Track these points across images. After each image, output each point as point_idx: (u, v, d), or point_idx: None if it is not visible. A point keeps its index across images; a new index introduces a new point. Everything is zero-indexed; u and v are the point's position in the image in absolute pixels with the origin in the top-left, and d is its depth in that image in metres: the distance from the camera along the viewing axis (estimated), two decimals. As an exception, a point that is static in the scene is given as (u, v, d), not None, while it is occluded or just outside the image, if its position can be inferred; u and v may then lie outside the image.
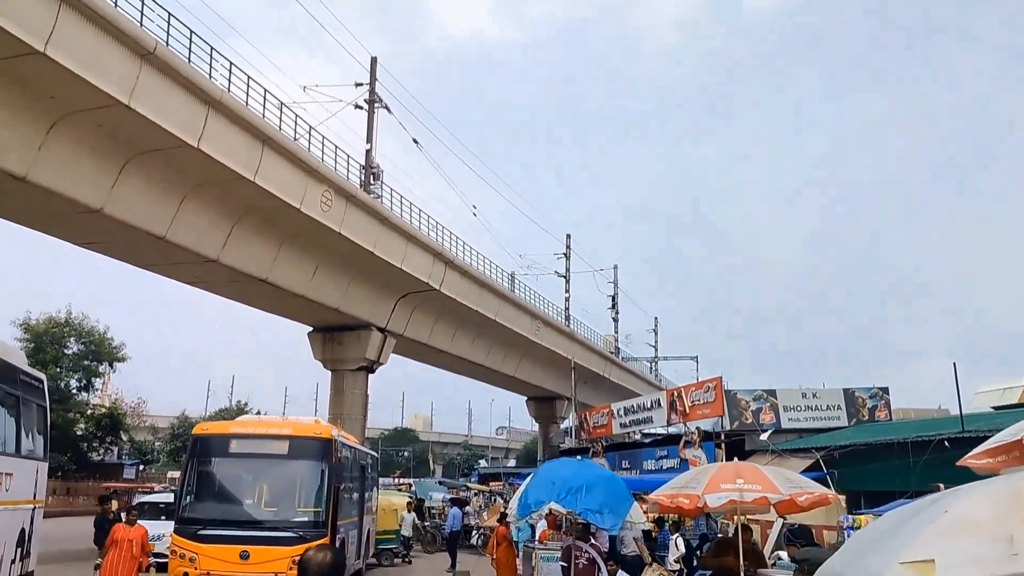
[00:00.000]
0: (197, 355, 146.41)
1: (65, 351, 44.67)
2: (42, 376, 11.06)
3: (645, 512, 14.39)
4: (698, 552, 14.79)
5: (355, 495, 16.51)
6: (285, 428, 13.84)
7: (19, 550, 9.59)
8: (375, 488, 20.26)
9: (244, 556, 12.52)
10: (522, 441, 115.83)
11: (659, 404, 27.39)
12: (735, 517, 9.58)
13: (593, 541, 10.27)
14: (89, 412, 46.97)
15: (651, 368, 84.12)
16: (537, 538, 14.54)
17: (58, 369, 43.99)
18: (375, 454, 21.19)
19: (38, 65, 18.05)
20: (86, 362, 45.56)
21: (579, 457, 28.19)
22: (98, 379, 46.94)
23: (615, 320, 69.27)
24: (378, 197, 33.50)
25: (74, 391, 45.32)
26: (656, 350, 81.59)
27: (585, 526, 9.39)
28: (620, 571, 10.19)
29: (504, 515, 16.58)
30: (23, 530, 9.76)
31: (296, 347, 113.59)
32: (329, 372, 39.35)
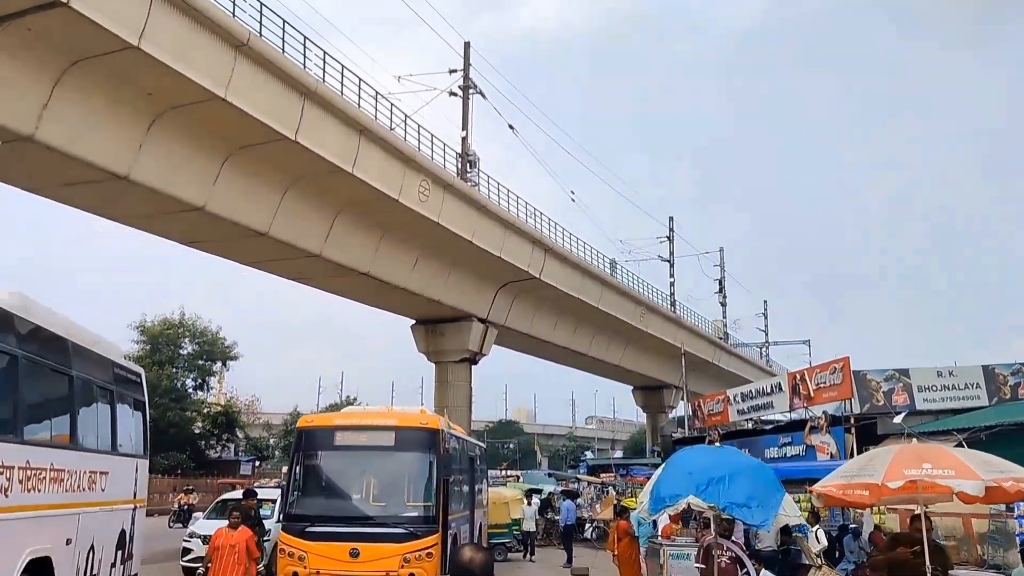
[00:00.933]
0: (307, 352, 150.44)
1: (180, 351, 45.97)
2: (139, 370, 10.71)
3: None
4: (838, 544, 13.38)
5: (465, 488, 15.79)
6: (391, 419, 13.18)
7: (120, 552, 9.16)
8: (484, 480, 19.53)
9: (354, 554, 11.92)
10: (627, 432, 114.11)
11: (780, 388, 25.66)
12: (917, 508, 8.18)
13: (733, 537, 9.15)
14: (205, 411, 48.26)
15: (761, 354, 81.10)
16: (660, 533, 13.43)
17: (174, 369, 45.33)
18: (482, 445, 20.43)
19: (134, 60, 18.00)
20: (200, 362, 46.82)
21: (718, 444, 26.78)
22: (212, 378, 48.18)
23: (722, 305, 66.95)
24: (475, 185, 32.86)
25: (190, 390, 46.60)
26: (766, 335, 78.60)
27: (729, 521, 8.32)
28: (763, 569, 9.04)
29: (624, 509, 15.54)
30: (123, 531, 9.33)
31: (402, 341, 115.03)
32: (433, 364, 39.11)
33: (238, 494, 18.30)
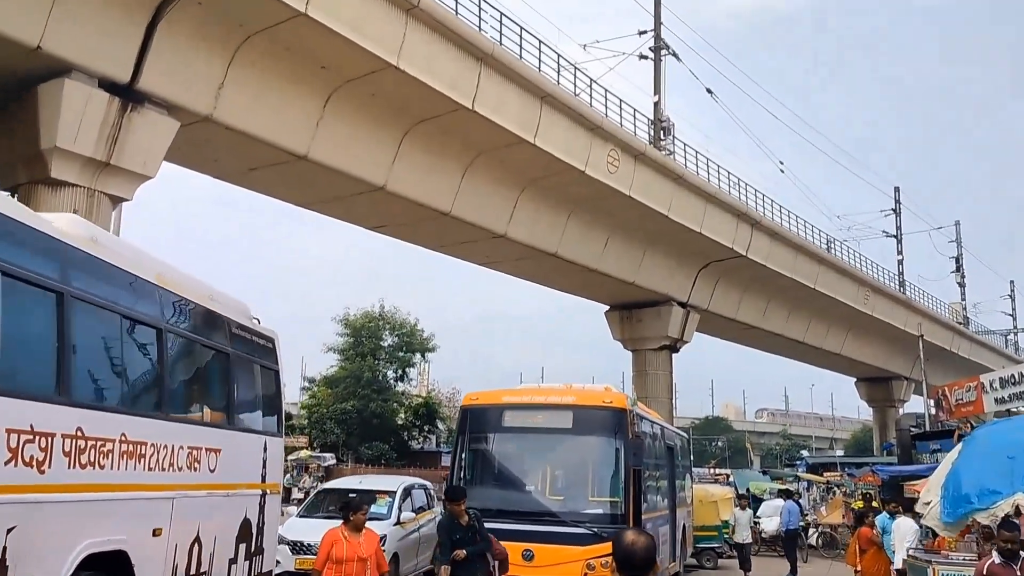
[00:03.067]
0: (506, 344, 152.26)
1: (381, 344, 46.61)
2: (272, 333, 9.22)
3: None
4: None
5: (662, 482, 13.40)
6: (568, 396, 11.09)
7: (243, 545, 7.69)
8: (688, 475, 16.94)
9: (527, 556, 9.97)
10: (848, 430, 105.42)
11: (1055, 370, 20.95)
12: None
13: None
14: (407, 402, 48.69)
15: (1007, 342, 71.47)
16: (929, 544, 10.37)
17: (376, 361, 45.97)
18: (684, 434, 17.78)
19: (304, 29, 17.20)
20: (400, 353, 47.25)
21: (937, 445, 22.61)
22: (412, 369, 48.48)
23: (960, 285, 59.30)
24: (669, 154, 30.16)
25: (391, 382, 47.16)
26: (1014, 319, 68.96)
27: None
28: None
29: (865, 513, 12.52)
30: (246, 520, 7.86)
31: (601, 331, 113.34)
32: (630, 353, 36.77)
33: (344, 482, 15.59)
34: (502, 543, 10.11)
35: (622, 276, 30.99)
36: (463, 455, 11.08)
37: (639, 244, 30.78)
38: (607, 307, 36.67)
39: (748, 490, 29.81)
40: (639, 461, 10.32)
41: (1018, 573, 6.13)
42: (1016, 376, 23.39)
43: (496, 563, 8.36)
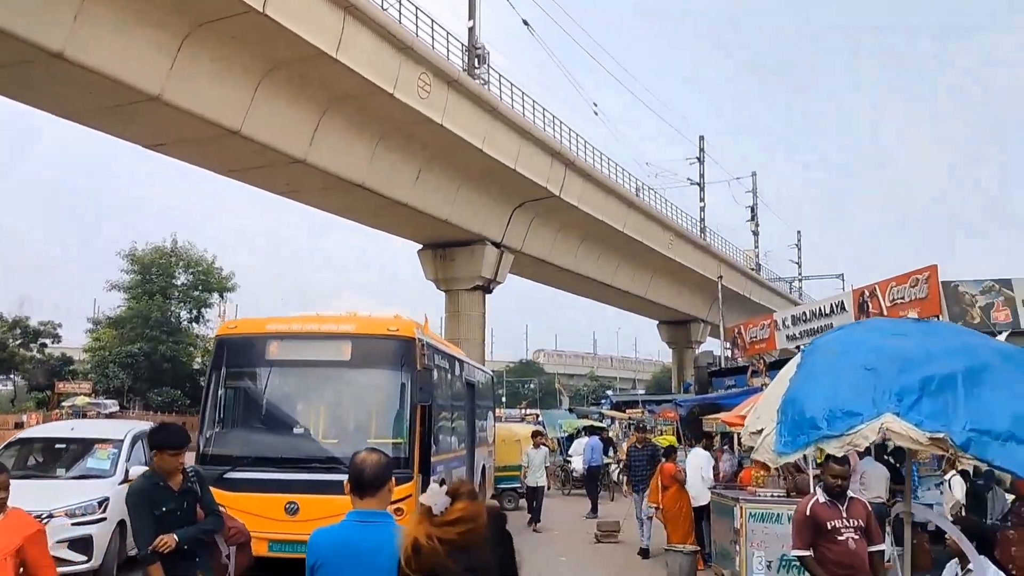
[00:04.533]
0: (311, 283, 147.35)
1: (173, 282, 42.79)
2: None
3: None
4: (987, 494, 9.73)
5: (460, 422, 12.30)
6: (346, 323, 9.58)
7: None
8: (491, 414, 16.00)
9: (292, 509, 8.53)
10: (649, 371, 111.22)
11: (842, 308, 21.80)
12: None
13: (857, 495, 5.59)
14: (203, 346, 45.26)
15: (791, 287, 77.03)
16: (739, 479, 9.91)
17: (167, 300, 42.20)
18: (488, 371, 16.80)
19: None
20: (196, 293, 43.65)
21: (765, 377, 23.15)
22: (209, 310, 45.05)
23: (755, 234, 62.77)
24: (485, 84, 28.80)
25: (184, 323, 43.54)
26: (800, 267, 74.33)
27: (839, 463, 4.95)
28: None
29: (672, 448, 11.99)
30: None
31: (414, 270, 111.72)
32: (443, 293, 35.64)
33: (45, 430, 12.33)
34: (264, 495, 8.62)
35: (435, 212, 29.59)
36: (218, 395, 9.36)
37: (453, 179, 29.46)
38: (420, 246, 35.26)
39: (561, 428, 29.84)
40: (427, 397, 9.07)
41: (844, 514, 5.40)
42: (807, 314, 24.34)
43: (231, 549, 5.39)
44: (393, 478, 3.26)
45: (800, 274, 74.86)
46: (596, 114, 68.98)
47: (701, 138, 56.73)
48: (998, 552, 10.77)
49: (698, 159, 55.68)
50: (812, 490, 9.27)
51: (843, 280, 77.49)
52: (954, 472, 9.59)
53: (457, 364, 12.37)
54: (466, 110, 26.84)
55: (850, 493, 5.56)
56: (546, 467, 15.62)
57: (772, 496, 8.17)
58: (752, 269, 59.70)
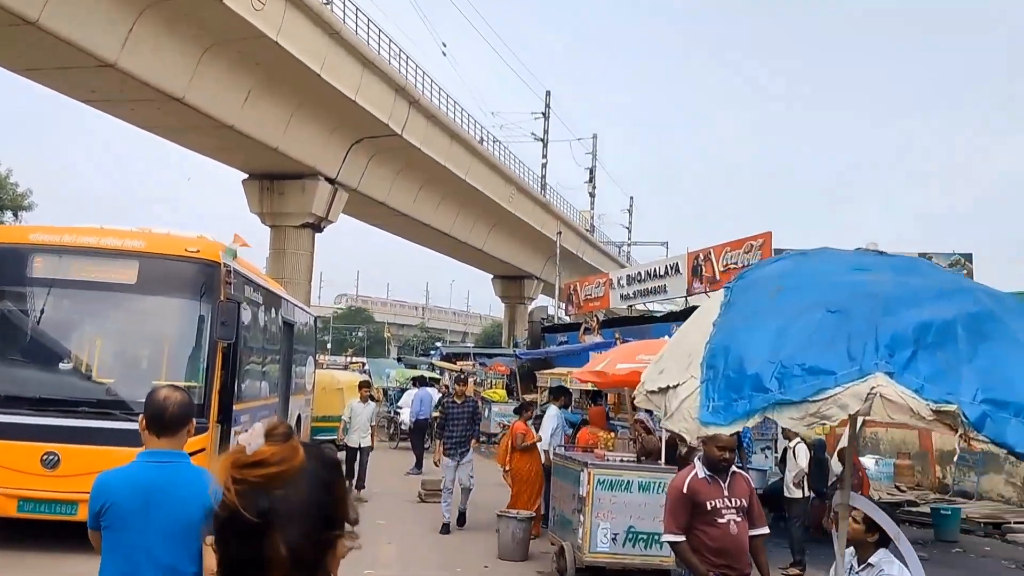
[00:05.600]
0: (119, 205, 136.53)
1: (-47, 196, 37.47)
2: None
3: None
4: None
5: (273, 366, 10.79)
6: (134, 240, 7.84)
7: None
8: (312, 360, 14.51)
9: (50, 462, 6.87)
10: (481, 325, 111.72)
11: (676, 270, 21.92)
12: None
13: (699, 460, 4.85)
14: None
15: (620, 252, 79.13)
16: (580, 439, 9.09)
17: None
18: (311, 312, 15.22)
19: None
20: (-18, 209, 38.45)
21: (597, 332, 22.85)
22: (-3, 231, 39.83)
23: (591, 196, 63.43)
24: (327, 3, 26.51)
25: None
26: (630, 233, 76.26)
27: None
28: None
29: (526, 405, 11.05)
30: None
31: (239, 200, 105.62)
32: (269, 229, 33.21)
33: None
34: (14, 443, 6.93)
35: (264, 139, 27.15)
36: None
37: (287, 105, 27.10)
38: (246, 175, 32.57)
39: (389, 377, 28.57)
40: (231, 334, 7.58)
41: (726, 492, 4.60)
42: (642, 275, 24.37)
43: None
44: (193, 420, 3.12)
45: (630, 239, 76.84)
46: (445, 55, 66.26)
47: (548, 93, 56.35)
48: (826, 520, 10.77)
49: (543, 115, 55.28)
50: (660, 451, 8.70)
51: (666, 248, 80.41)
52: (798, 440, 9.30)
53: (274, 301, 10.83)
54: (305, 29, 24.60)
55: (735, 468, 4.79)
56: (373, 426, 13.01)
57: (622, 461, 7.43)
58: (587, 230, 60.44)
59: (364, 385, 13.66)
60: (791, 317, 2.50)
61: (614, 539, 6.99)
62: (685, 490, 4.57)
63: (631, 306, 24.94)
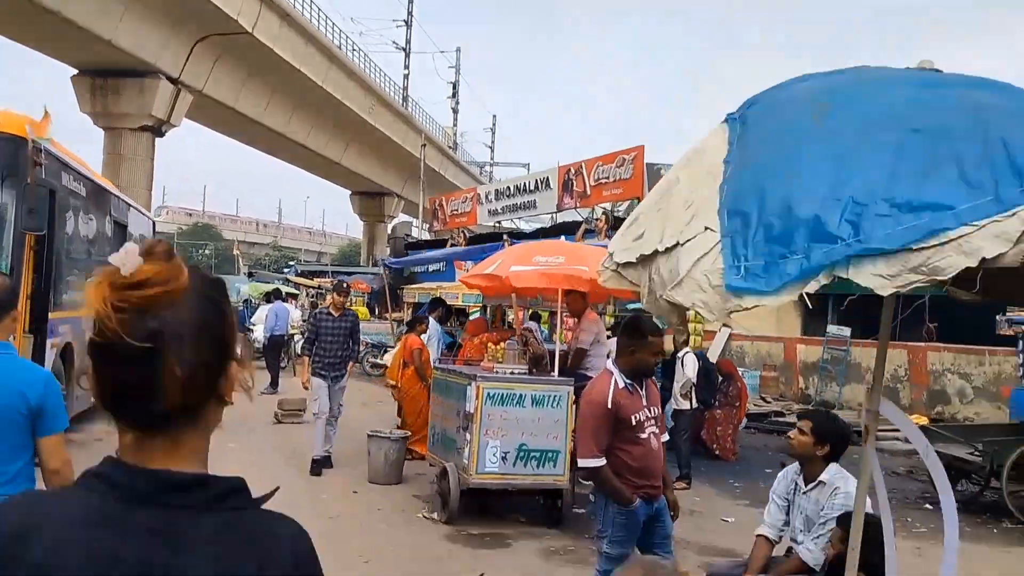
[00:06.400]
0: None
1: None
2: None
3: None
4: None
5: (96, 262, 9.32)
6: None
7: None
8: None
9: None
10: (338, 245, 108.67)
11: (547, 185, 21.26)
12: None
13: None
14: None
15: (482, 172, 78.29)
16: (461, 351, 8.27)
17: None
18: (150, 216, 13.45)
19: None
20: None
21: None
22: None
23: (454, 112, 61.85)
24: None
25: None
26: (492, 152, 75.45)
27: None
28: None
29: (418, 319, 9.99)
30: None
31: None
32: (103, 132, 30.07)
33: None
34: None
35: (95, 29, 24.17)
36: None
37: (119, -11, 24.14)
38: (75, 70, 29.16)
39: (239, 292, 26.70)
40: (40, 224, 6.18)
41: (644, 403, 3.94)
42: (511, 189, 23.57)
43: None
44: (16, 310, 2.80)
45: (492, 159, 76.01)
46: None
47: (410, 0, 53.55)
48: (704, 432, 10.62)
49: (405, 22, 52.72)
50: (548, 360, 8.03)
51: (527, 170, 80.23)
52: (687, 349, 8.90)
53: (103, 197, 9.26)
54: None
55: (653, 380, 4.15)
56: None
57: (513, 373, 6.67)
58: (450, 147, 59.05)
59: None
60: (854, 141, 1.74)
61: (504, 458, 6.29)
62: (609, 404, 3.88)
63: (499, 222, 24.22)
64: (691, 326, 14.67)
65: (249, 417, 11.88)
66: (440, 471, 6.79)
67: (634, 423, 3.92)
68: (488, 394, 6.28)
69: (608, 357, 8.75)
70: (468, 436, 6.33)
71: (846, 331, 14.02)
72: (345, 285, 9.43)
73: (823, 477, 3.88)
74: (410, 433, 8.41)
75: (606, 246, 10.38)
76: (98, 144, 30.46)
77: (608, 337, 7.96)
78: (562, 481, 6.51)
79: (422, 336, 9.90)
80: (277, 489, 1.13)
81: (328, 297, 9.30)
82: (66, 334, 7.53)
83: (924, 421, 12.66)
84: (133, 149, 29.52)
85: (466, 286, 9.23)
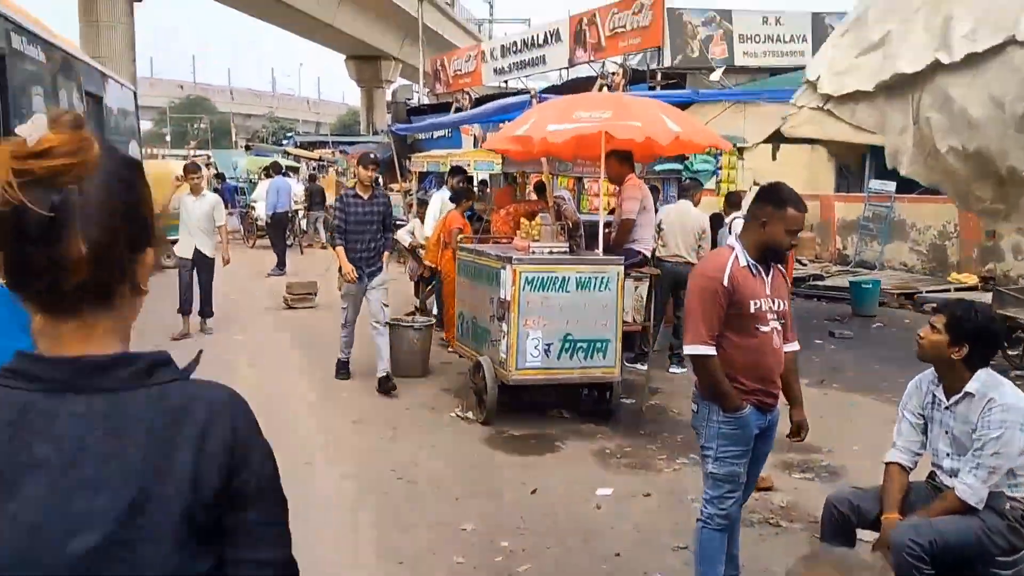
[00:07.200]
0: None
1: None
2: None
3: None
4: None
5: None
6: None
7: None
8: (134, 145, 11.76)
9: None
10: (335, 114, 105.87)
11: (557, 38, 19.70)
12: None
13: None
14: None
15: (481, 30, 74.77)
16: (492, 230, 7.31)
17: None
18: (129, 85, 12.21)
19: None
20: None
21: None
22: None
23: (450, -37, 58.01)
24: None
25: None
26: (491, 7, 71.50)
27: None
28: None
29: (464, 192, 8.58)
30: None
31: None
32: (75, -1, 28.03)
33: None
34: None
35: None
36: None
37: None
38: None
39: (237, 168, 25.61)
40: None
41: (768, 291, 3.12)
42: (518, 44, 22.01)
43: None
44: None
45: (492, 16, 72.31)
46: None
47: None
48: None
49: None
50: (581, 229, 7.10)
51: (528, 25, 76.57)
52: (737, 213, 7.98)
53: (68, 64, 8.10)
54: None
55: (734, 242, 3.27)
56: (222, 224, 9.10)
57: (552, 253, 5.76)
58: (447, 3, 55.90)
59: (190, 170, 9.21)
60: None
61: (547, 351, 5.48)
62: (726, 282, 3.08)
63: (506, 81, 22.73)
64: (724, 185, 13.74)
65: (256, 303, 11.19)
66: (474, 365, 6.02)
67: (752, 310, 3.13)
68: (526, 278, 5.40)
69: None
70: (505, 327, 5.51)
71: (891, 185, 12.98)
72: (373, 156, 7.65)
73: (970, 387, 3.04)
74: (433, 320, 7.61)
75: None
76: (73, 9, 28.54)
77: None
78: (613, 373, 5.72)
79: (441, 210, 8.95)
80: (201, 353, 1.08)
81: (355, 173, 7.27)
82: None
83: (973, 280, 11.90)
84: (110, 14, 27.58)
85: (494, 149, 8.06)
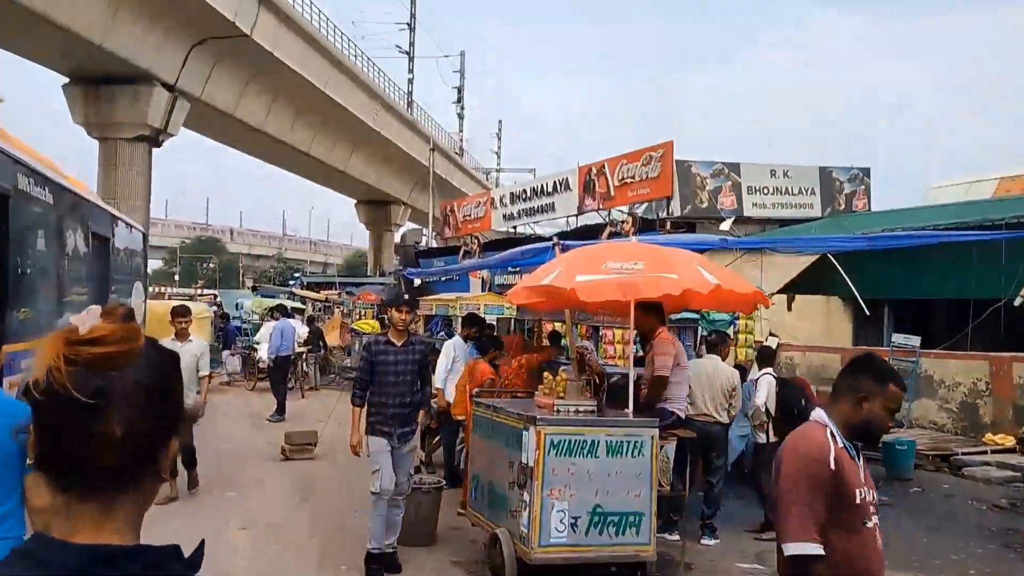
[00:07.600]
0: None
1: None
2: None
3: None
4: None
5: (78, 294, 7.87)
6: None
7: None
8: (140, 287, 11.51)
9: None
10: (343, 256, 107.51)
11: (567, 186, 19.95)
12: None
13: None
14: None
15: (488, 178, 77.01)
16: (475, 377, 6.82)
17: None
18: (139, 227, 12.08)
19: None
20: None
21: (477, 254, 20.66)
22: None
23: (460, 117, 60.55)
24: None
25: None
26: (499, 157, 73.95)
27: None
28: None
29: (492, 342, 7.89)
30: None
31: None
32: (96, 143, 28.88)
33: None
34: None
35: (86, 33, 22.99)
36: None
37: (108, -9, 22.96)
38: (67, 79, 27.99)
39: (242, 308, 25.38)
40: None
41: (862, 476, 2.62)
42: (527, 192, 22.29)
43: None
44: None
45: (499, 165, 74.66)
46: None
47: (412, 2, 52.27)
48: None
49: (409, 25, 51.51)
50: (605, 381, 6.54)
51: (534, 175, 78.90)
52: (765, 371, 7.54)
53: (76, 205, 7.91)
54: None
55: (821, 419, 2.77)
56: (205, 375, 8.03)
57: (579, 412, 5.26)
58: (456, 153, 57.79)
59: (178, 313, 8.21)
60: None
61: (574, 525, 4.90)
62: (832, 465, 2.54)
63: (515, 227, 22.90)
64: (741, 336, 13.36)
65: (251, 453, 10.55)
66: (490, 538, 5.41)
67: (858, 501, 2.59)
68: (551, 441, 4.89)
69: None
70: (527, 496, 4.95)
71: (915, 339, 12.60)
72: (404, 296, 6.91)
73: None
74: (444, 481, 7.00)
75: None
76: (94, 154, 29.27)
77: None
78: (648, 551, 5.09)
79: (446, 358, 8.53)
80: (203, 543, 1.04)
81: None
82: (29, 370, 6.22)
83: (1010, 442, 11.30)
84: (129, 160, 28.28)
85: (516, 301, 7.67)
